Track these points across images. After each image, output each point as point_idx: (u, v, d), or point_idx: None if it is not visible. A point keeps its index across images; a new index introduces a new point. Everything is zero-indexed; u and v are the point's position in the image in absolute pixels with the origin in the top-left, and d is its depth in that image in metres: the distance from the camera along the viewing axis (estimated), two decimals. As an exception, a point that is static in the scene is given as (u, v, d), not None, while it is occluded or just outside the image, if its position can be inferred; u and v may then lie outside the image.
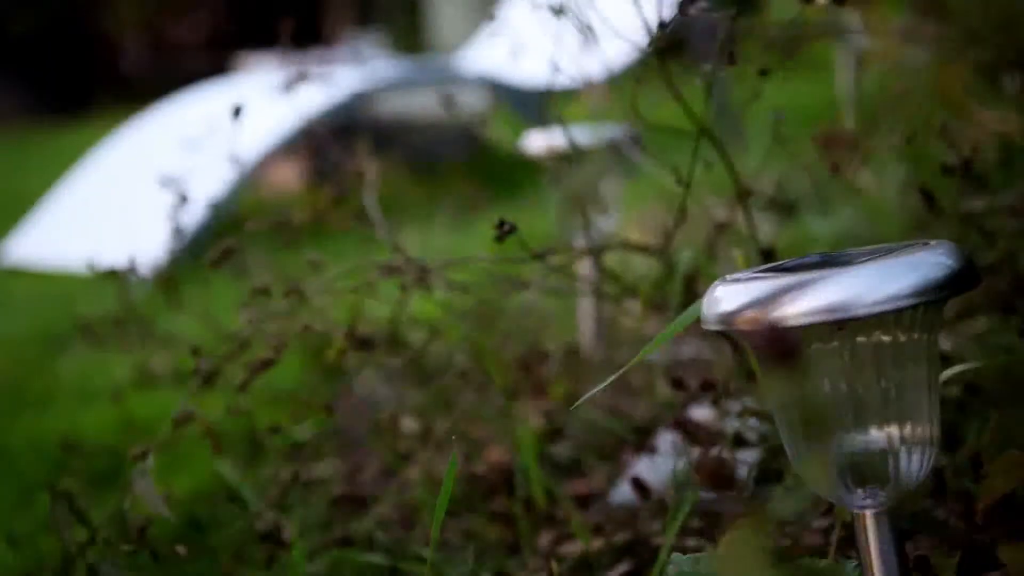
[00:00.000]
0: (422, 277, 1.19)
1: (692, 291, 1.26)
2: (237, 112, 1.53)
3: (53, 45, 9.77)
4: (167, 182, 2.04)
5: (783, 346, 0.58)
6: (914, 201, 1.80)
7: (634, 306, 1.39)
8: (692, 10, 1.04)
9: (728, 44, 1.05)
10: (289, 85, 1.98)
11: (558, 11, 1.33)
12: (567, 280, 1.36)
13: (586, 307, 1.71)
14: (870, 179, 1.92)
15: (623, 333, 1.68)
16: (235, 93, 3.71)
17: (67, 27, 9.89)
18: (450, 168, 3.71)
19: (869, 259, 0.77)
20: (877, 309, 0.73)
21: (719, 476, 0.99)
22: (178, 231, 2.62)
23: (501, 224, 1.06)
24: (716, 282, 0.80)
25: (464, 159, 4.02)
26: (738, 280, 0.79)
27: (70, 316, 2.90)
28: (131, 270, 1.85)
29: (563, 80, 1.68)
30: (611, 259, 1.47)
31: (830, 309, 0.73)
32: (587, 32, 1.51)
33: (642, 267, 1.67)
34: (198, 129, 3.34)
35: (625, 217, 2.06)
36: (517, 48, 1.75)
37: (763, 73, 1.24)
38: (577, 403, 0.88)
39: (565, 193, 1.80)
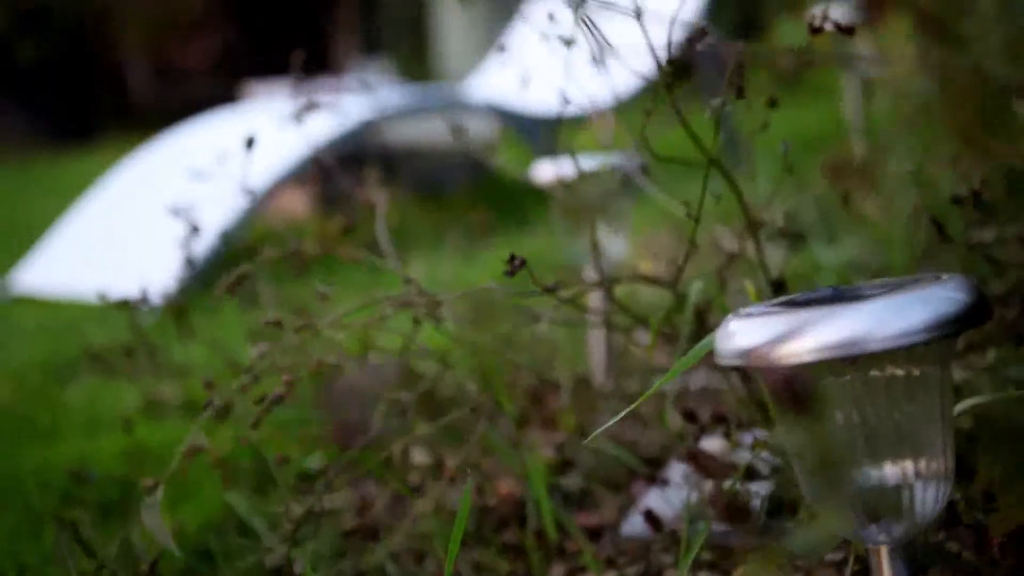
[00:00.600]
0: (433, 309, 1.19)
1: (703, 322, 1.26)
2: (250, 143, 1.53)
3: (59, 72, 9.81)
4: (176, 211, 2.05)
5: (796, 385, 0.58)
6: (922, 230, 1.80)
7: (644, 336, 1.39)
8: (700, 45, 1.04)
9: (737, 77, 1.06)
10: (299, 114, 1.98)
11: (568, 41, 1.33)
12: (577, 311, 1.36)
13: (596, 337, 1.71)
14: (877, 207, 1.93)
15: (633, 362, 1.68)
16: (244, 121, 3.73)
17: (73, 54, 9.93)
18: (457, 195, 3.71)
19: (881, 294, 0.77)
20: (890, 345, 0.73)
21: (733, 509, 0.98)
22: (188, 260, 2.63)
23: (512, 258, 1.06)
24: (729, 316, 0.80)
25: (471, 186, 4.03)
26: (751, 315, 0.79)
27: (78, 345, 2.90)
28: (140, 299, 1.86)
29: (570, 108, 1.69)
30: (620, 288, 1.47)
31: (843, 345, 0.73)
32: (594, 60, 1.52)
33: (651, 296, 1.68)
34: (207, 158, 3.36)
35: (633, 243, 2.06)
36: (524, 76, 1.76)
37: (772, 104, 1.24)
38: (591, 436, 0.88)
39: (574, 222, 1.81)
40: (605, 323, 1.45)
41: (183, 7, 10.16)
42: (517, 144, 3.73)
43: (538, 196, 2.18)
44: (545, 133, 3.54)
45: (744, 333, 0.77)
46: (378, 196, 1.62)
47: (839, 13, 3.09)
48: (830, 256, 1.85)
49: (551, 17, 1.53)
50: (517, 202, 3.31)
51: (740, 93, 1.08)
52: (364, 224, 1.80)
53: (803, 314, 0.75)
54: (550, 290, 1.17)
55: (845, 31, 1.13)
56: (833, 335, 0.73)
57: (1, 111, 9.50)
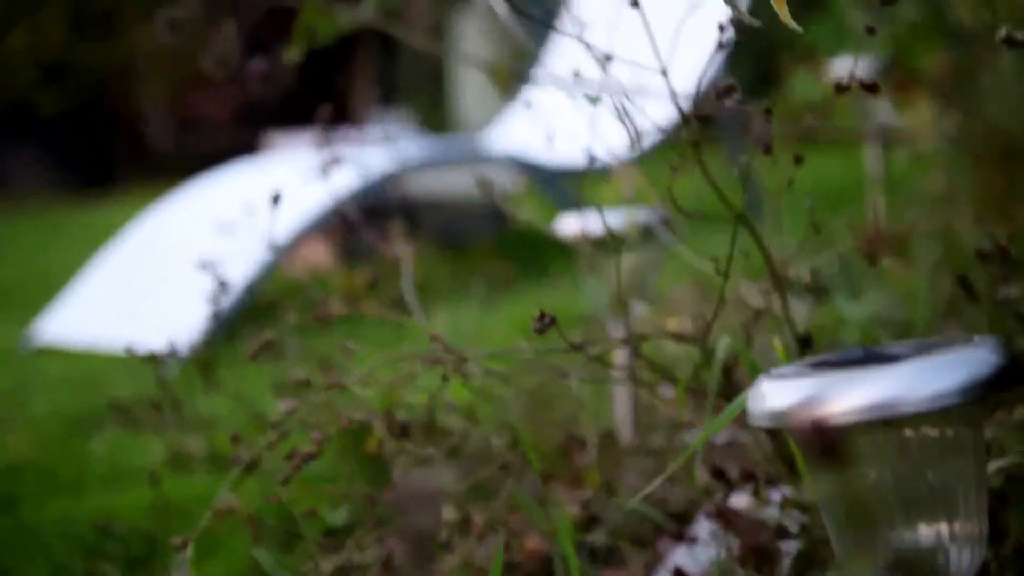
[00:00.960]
0: (461, 366, 1.20)
1: (730, 378, 1.26)
2: (276, 199, 1.54)
3: (80, 123, 9.89)
4: (199, 263, 2.06)
5: (829, 443, 0.59)
6: (945, 285, 1.80)
7: (670, 392, 1.39)
8: (728, 102, 1.05)
9: (764, 134, 1.07)
10: (323, 168, 2.00)
11: (594, 99, 1.34)
12: (603, 367, 1.36)
13: (621, 392, 1.72)
14: (899, 261, 1.93)
15: (658, 417, 1.68)
16: (266, 173, 3.75)
17: (94, 105, 10.02)
18: (478, 246, 3.73)
19: (913, 355, 0.78)
20: (924, 408, 0.73)
21: (762, 567, 0.99)
22: (211, 312, 2.63)
23: (541, 316, 1.07)
24: (761, 376, 0.81)
25: (492, 236, 4.05)
26: (783, 376, 0.79)
27: (101, 396, 2.91)
28: (165, 352, 1.87)
29: (591, 161, 1.70)
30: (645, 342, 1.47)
31: (876, 408, 0.73)
32: (616, 113, 1.53)
33: (676, 348, 1.68)
34: (230, 209, 3.38)
35: (656, 295, 2.07)
36: (543, 127, 1.77)
37: (798, 161, 1.25)
38: (618, 495, 0.88)
39: (598, 275, 1.82)
40: (631, 379, 1.45)
41: (202, 59, 10.23)
42: (537, 195, 3.75)
43: (558, 247, 2.20)
44: (566, 185, 3.56)
45: (777, 395, 0.78)
46: (403, 251, 1.63)
47: (857, 67, 3.09)
48: (853, 310, 1.85)
49: (573, 71, 1.55)
50: (538, 253, 3.32)
51: (768, 150, 1.09)
52: (388, 277, 1.81)
53: (835, 376, 0.76)
54: (578, 347, 1.17)
55: (870, 89, 1.14)
56: (866, 398, 0.74)
57: (23, 161, 9.58)
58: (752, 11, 1.05)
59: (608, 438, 1.61)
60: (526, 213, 2.08)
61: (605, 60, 1.40)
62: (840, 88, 1.16)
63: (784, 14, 0.92)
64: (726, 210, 1.29)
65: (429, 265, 3.57)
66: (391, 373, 1.37)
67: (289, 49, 1.45)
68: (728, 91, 1.03)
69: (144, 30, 9.94)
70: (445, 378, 1.22)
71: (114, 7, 9.84)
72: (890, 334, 1.74)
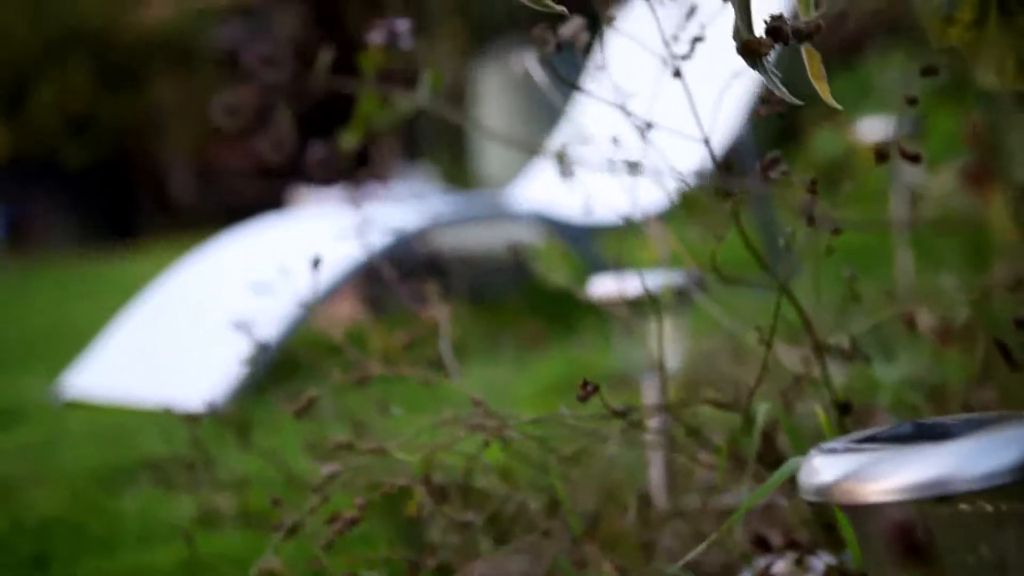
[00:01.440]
0: (502, 432, 1.21)
1: (770, 444, 1.27)
2: (316, 263, 1.56)
3: (103, 174, 9.97)
4: (229, 320, 2.08)
5: (913, 544, 0.59)
6: (979, 345, 1.80)
7: (707, 457, 1.39)
8: (773, 173, 1.06)
9: (808, 207, 1.08)
10: (353, 228, 2.02)
11: (633, 167, 1.36)
12: (639, 431, 1.37)
13: (656, 455, 1.72)
14: (931, 321, 1.93)
15: (694, 479, 1.68)
16: (295, 228, 3.78)
17: (117, 158, 10.09)
18: (505, 301, 3.74)
19: (965, 431, 0.78)
20: (977, 486, 0.74)
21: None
22: (241, 369, 2.65)
23: (584, 384, 1.08)
24: (812, 451, 0.82)
25: (517, 291, 4.06)
26: (835, 451, 0.80)
27: (130, 452, 2.92)
28: (195, 408, 1.88)
29: (614, 217, 1.71)
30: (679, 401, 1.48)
31: (929, 486, 0.74)
32: (637, 169, 1.55)
33: (712, 410, 1.68)
34: (260, 265, 3.40)
35: (688, 356, 2.07)
36: (567, 184, 1.79)
37: (836, 232, 1.26)
38: (673, 566, 0.89)
39: (630, 335, 1.83)
40: (666, 443, 1.46)
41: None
42: (563, 252, 3.77)
43: (585, 302, 2.21)
44: (592, 242, 3.58)
45: (829, 471, 0.78)
46: (440, 312, 1.64)
47: (878, 127, 3.11)
48: (888, 372, 1.85)
49: (600, 128, 1.57)
50: (564, 307, 3.33)
51: (811, 221, 1.10)
52: (415, 331, 1.82)
53: (888, 453, 0.77)
54: (620, 414, 1.18)
55: (912, 159, 1.15)
56: (919, 475, 0.75)
57: (48, 213, 9.65)
58: (776, 65, 1.06)
59: (644, 500, 1.62)
60: (551, 270, 2.09)
61: (633, 118, 1.42)
62: (880, 156, 1.17)
63: (824, 91, 0.93)
64: (756, 267, 1.31)
65: (458, 321, 3.57)
66: (430, 435, 1.38)
67: (346, 135, 1.47)
68: (773, 164, 1.04)
69: (167, 84, 10.04)
70: (487, 444, 1.23)
71: (138, 61, 9.94)
72: (923, 397, 1.74)
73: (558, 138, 4.21)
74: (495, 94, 6.31)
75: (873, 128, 3.02)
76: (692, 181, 1.64)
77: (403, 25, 1.43)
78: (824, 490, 0.78)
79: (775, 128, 5.32)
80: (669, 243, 1.92)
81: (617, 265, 1.79)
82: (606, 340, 2.63)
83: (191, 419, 1.93)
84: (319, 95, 1.43)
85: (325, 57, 1.43)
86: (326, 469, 1.25)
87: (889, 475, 0.75)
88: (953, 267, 2.40)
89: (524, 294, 3.93)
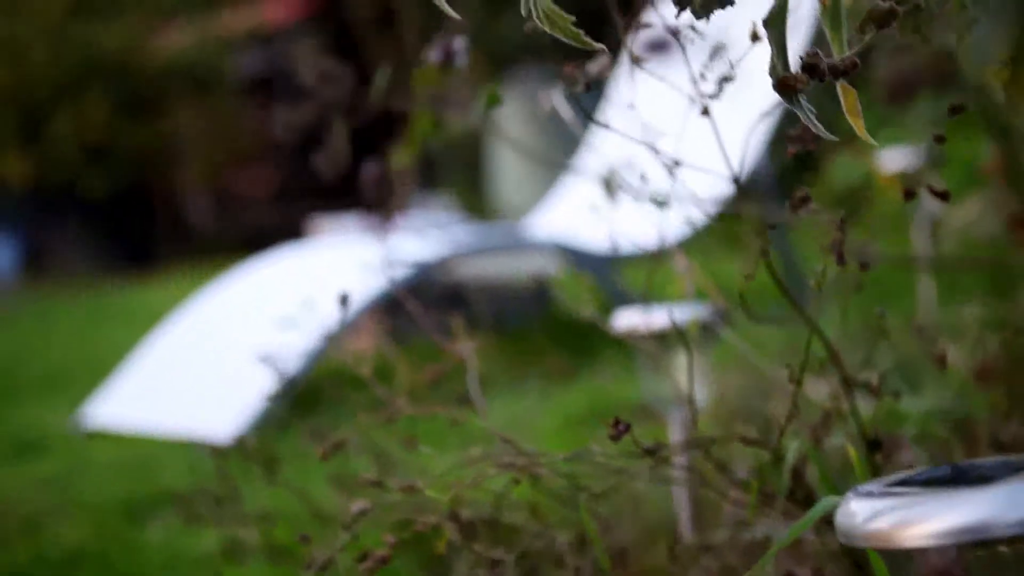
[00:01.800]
0: (533, 469, 1.21)
1: (800, 480, 1.27)
2: (344, 300, 1.56)
3: (121, 203, 10.01)
4: (251, 350, 2.08)
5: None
6: (1005, 379, 1.80)
7: (736, 493, 1.39)
8: (803, 211, 1.06)
9: (838, 245, 1.08)
10: (377, 259, 2.03)
11: (661, 203, 1.36)
12: (667, 467, 1.37)
13: (682, 490, 1.72)
14: (957, 353, 1.93)
15: (719, 511, 1.68)
16: (316, 258, 3.79)
17: (135, 186, 10.14)
18: (524, 329, 3.74)
19: (1003, 474, 0.78)
20: (1018, 532, 0.74)
21: None
22: (264, 401, 2.65)
23: (616, 423, 1.08)
24: (849, 494, 0.82)
25: (538, 320, 4.07)
26: (872, 494, 0.80)
27: (154, 483, 2.93)
28: (220, 440, 1.89)
29: (633, 246, 1.72)
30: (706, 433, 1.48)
31: (969, 531, 0.74)
32: (661, 200, 1.56)
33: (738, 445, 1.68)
34: (282, 295, 3.40)
35: (713, 389, 2.07)
36: (587, 212, 1.80)
37: (863, 267, 1.26)
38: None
39: (656, 369, 1.83)
40: (693, 478, 1.46)
41: (241, 138, 10.37)
42: (586, 282, 3.77)
43: (605, 333, 2.21)
44: (612, 271, 3.58)
45: (866, 514, 0.78)
46: (465, 346, 1.64)
47: (898, 156, 3.10)
48: (913, 404, 1.85)
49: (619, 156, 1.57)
50: (587, 338, 3.33)
51: (841, 259, 1.10)
52: (440, 362, 1.83)
53: (926, 497, 0.77)
54: (651, 452, 1.18)
55: (940, 197, 1.15)
56: (959, 520, 0.75)
57: (66, 242, 9.69)
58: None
59: (670, 535, 1.62)
60: (577, 302, 2.09)
61: (654, 147, 1.43)
62: (908, 194, 1.17)
63: (859, 128, 0.93)
64: (776, 294, 1.31)
65: (480, 351, 3.56)
66: (459, 472, 1.38)
67: (399, 153, 1.48)
68: (803, 201, 1.04)
69: (186, 112, 10.09)
70: (517, 482, 1.23)
71: (157, 90, 9.99)
72: (950, 431, 1.74)
73: (579, 166, 4.22)
74: (513, 121, 6.32)
75: (893, 157, 3.01)
76: (714, 210, 1.65)
77: (460, 44, 1.44)
78: (863, 534, 0.78)
79: (792, 156, 5.31)
80: (693, 274, 1.92)
81: (639, 296, 1.79)
82: (629, 369, 2.63)
83: (217, 452, 1.94)
84: (370, 114, 1.44)
85: (383, 76, 1.44)
86: (356, 506, 1.25)
87: (929, 520, 0.75)
88: (976, 298, 2.40)
89: (545, 323, 3.93)
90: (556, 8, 0.78)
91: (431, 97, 1.43)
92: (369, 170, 1.48)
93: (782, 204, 1.22)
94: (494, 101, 1.42)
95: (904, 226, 3.04)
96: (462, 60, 1.44)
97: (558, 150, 4.23)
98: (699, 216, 1.58)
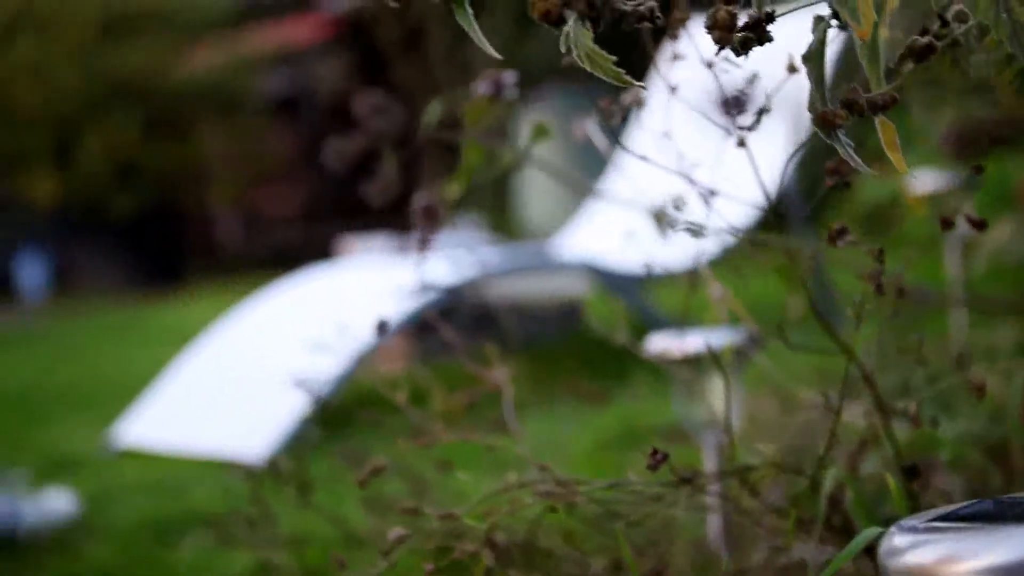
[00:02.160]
0: (571, 498, 1.21)
1: (837, 507, 1.27)
2: (382, 328, 1.57)
3: (150, 221, 10.07)
4: (282, 371, 2.10)
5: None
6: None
7: (771, 520, 1.39)
8: (841, 243, 1.07)
9: (875, 278, 1.08)
10: (403, 280, 2.03)
11: (697, 232, 1.37)
12: (702, 494, 1.37)
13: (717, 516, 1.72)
14: (990, 378, 1.92)
15: (753, 535, 1.68)
16: (345, 280, 3.80)
17: (163, 203, 10.19)
18: (557, 350, 3.75)
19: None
20: (1065, 567, 0.74)
21: None
22: (295, 421, 2.66)
23: (654, 452, 1.09)
24: (892, 528, 0.82)
25: (566, 339, 4.07)
26: (915, 529, 0.80)
27: (183, 504, 2.94)
28: (252, 460, 1.90)
29: (661, 267, 1.72)
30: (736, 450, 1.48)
31: (1014, 569, 0.74)
32: (693, 226, 1.56)
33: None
34: (312, 316, 3.41)
35: (746, 413, 2.07)
36: (615, 232, 1.80)
37: (900, 295, 1.26)
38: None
39: (689, 394, 1.83)
40: (728, 504, 1.46)
41: (267, 157, 10.42)
42: (617, 304, 3.78)
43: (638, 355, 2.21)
44: (640, 291, 3.58)
45: (913, 550, 0.79)
46: (499, 372, 1.65)
47: (928, 178, 3.08)
48: (947, 428, 1.85)
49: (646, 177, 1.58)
50: (615, 358, 3.33)
51: (879, 290, 1.10)
52: (465, 377, 1.84)
53: (970, 533, 0.77)
54: (687, 481, 1.19)
55: (977, 226, 1.16)
56: (1003, 558, 0.75)
57: (95, 261, 9.75)
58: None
59: (704, 559, 1.62)
60: (610, 328, 2.09)
61: (687, 176, 1.43)
62: (946, 224, 1.18)
63: (899, 163, 0.94)
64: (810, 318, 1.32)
65: (510, 370, 3.57)
66: (495, 498, 1.38)
67: (451, 186, 1.49)
68: (841, 233, 1.05)
69: (213, 132, 10.15)
70: (554, 510, 1.23)
71: (184, 110, 10.05)
72: (983, 455, 1.73)
73: (608, 188, 4.23)
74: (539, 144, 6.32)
75: (923, 179, 3.01)
76: (744, 233, 1.65)
77: (509, 78, 1.45)
78: (906, 569, 0.78)
79: (820, 174, 5.31)
80: (725, 297, 1.92)
81: (670, 317, 1.80)
82: (661, 389, 2.63)
83: (250, 474, 1.95)
84: (424, 143, 1.45)
85: (435, 109, 1.45)
86: (393, 534, 1.25)
87: (973, 557, 0.75)
88: (1008, 320, 2.39)
89: (574, 343, 3.93)
90: (596, 48, 0.79)
91: (481, 129, 1.44)
92: (420, 201, 1.49)
93: (810, 222, 1.23)
94: (542, 134, 1.43)
95: (932, 244, 3.03)
96: (512, 94, 1.46)
97: (586, 170, 4.23)
98: (729, 239, 1.58)
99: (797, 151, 1.28)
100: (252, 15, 10.38)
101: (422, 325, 3.25)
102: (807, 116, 0.97)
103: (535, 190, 6.66)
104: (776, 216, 1.44)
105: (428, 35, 7.66)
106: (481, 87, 1.43)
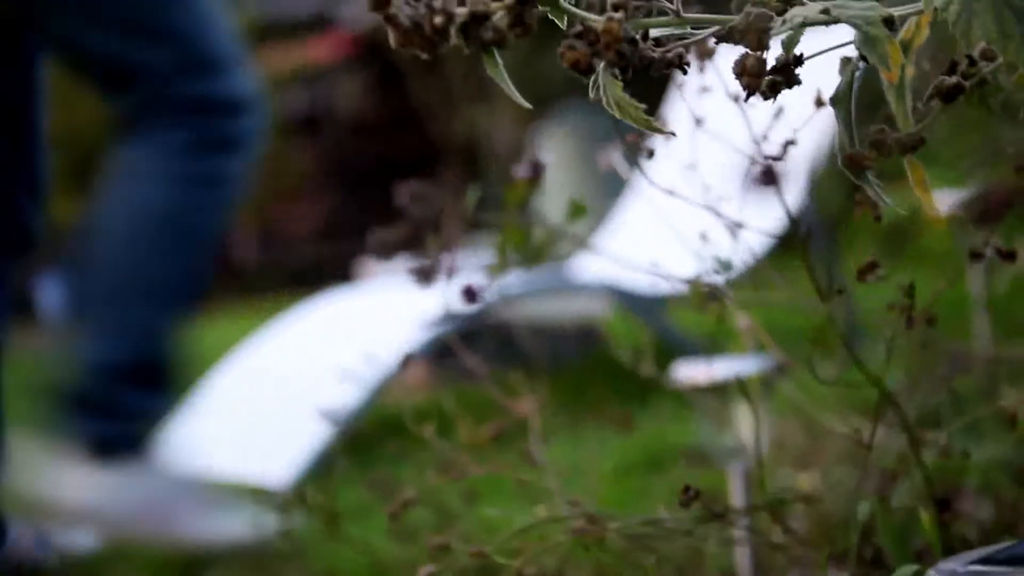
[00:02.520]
0: (603, 534, 1.21)
1: (868, 538, 1.27)
2: (406, 362, 1.58)
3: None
4: (307, 397, 2.10)
5: None
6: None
7: (799, 550, 1.39)
8: (871, 278, 1.07)
9: (906, 308, 1.08)
10: (432, 309, 2.04)
11: (724, 266, 1.37)
12: (731, 527, 1.37)
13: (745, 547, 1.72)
14: (1015, 398, 1.91)
15: (783, 567, 1.67)
16: (366, 303, 3.81)
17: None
18: (577, 371, 3.74)
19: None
20: (1106, 613, 0.73)
21: None
22: (320, 448, 2.66)
23: (687, 489, 1.09)
24: (931, 572, 0.82)
25: (585, 359, 4.07)
26: (955, 573, 0.80)
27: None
28: (278, 487, 1.91)
29: (679, 286, 1.72)
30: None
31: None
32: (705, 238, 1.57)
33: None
34: (335, 341, 3.41)
35: (772, 440, 2.07)
36: (637, 254, 1.81)
37: (930, 323, 1.26)
38: None
39: (716, 422, 1.83)
40: (757, 537, 1.46)
41: (286, 175, 10.44)
42: (633, 322, 3.77)
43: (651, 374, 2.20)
44: (661, 313, 3.58)
45: (952, 596, 0.78)
46: (527, 403, 1.65)
47: (946, 196, 3.08)
48: (975, 453, 1.83)
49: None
50: (635, 379, 3.32)
51: (910, 323, 1.10)
52: (487, 400, 1.84)
53: (1010, 576, 0.77)
54: (719, 516, 1.19)
55: (1007, 257, 1.15)
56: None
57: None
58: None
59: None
60: (622, 342, 2.10)
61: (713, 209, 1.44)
62: (975, 256, 1.17)
63: (928, 202, 0.94)
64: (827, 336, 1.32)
65: (530, 391, 3.56)
66: (525, 534, 1.38)
67: (494, 268, 1.51)
68: (871, 268, 1.05)
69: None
70: (587, 548, 1.23)
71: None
72: (1013, 481, 1.72)
73: (626, 208, 4.22)
74: (557, 161, 6.33)
75: (941, 197, 3.00)
76: (763, 253, 1.66)
77: (547, 160, 1.48)
78: (945, 613, 0.78)
79: (838, 190, 5.30)
80: (749, 323, 1.92)
81: (691, 338, 1.80)
82: (683, 413, 2.63)
83: (281, 504, 1.95)
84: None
85: (473, 195, 1.48)
86: (423, 573, 1.26)
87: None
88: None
89: (594, 363, 3.93)
90: (626, 96, 0.79)
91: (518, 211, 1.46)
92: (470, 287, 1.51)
93: (829, 239, 1.23)
94: (580, 213, 1.45)
95: (951, 258, 3.01)
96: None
97: (603, 189, 4.23)
98: (748, 260, 1.59)
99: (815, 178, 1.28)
100: (271, 34, 10.43)
101: (443, 350, 3.26)
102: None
103: (554, 209, 6.65)
104: (800, 239, 1.44)
105: (448, 53, 7.67)
106: (520, 171, 1.45)
